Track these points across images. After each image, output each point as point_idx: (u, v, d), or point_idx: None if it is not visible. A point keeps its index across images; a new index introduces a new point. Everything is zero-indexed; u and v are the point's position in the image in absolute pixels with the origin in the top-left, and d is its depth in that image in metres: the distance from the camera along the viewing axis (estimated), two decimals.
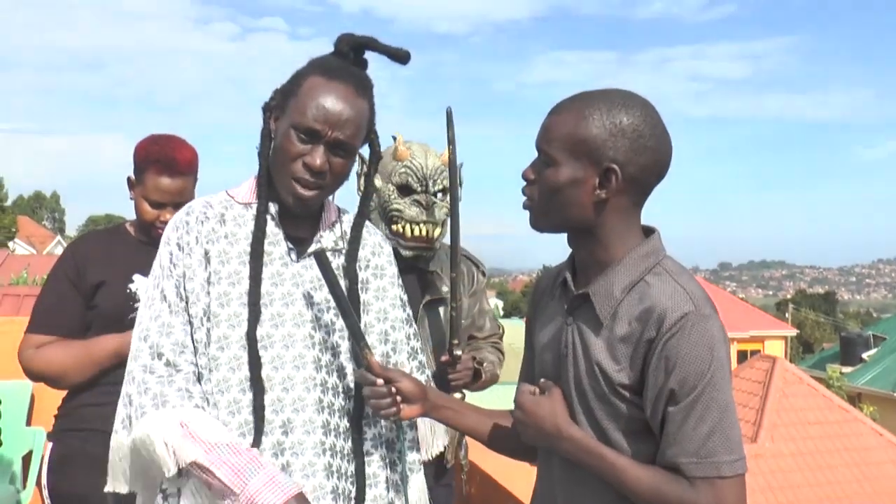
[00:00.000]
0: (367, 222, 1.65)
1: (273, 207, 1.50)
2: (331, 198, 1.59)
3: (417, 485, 1.61)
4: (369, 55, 1.54)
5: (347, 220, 1.63)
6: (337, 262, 1.55)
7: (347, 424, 1.50)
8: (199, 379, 1.39)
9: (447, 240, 2.27)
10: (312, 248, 1.52)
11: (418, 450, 1.64)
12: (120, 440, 1.39)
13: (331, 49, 1.52)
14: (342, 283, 1.52)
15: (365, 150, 1.61)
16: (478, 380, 2.31)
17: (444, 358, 2.20)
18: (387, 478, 1.54)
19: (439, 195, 2.31)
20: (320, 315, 1.51)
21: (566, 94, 1.33)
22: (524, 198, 1.34)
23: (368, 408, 1.47)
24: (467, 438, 2.35)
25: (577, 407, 1.30)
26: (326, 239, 1.56)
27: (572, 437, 1.28)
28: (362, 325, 1.52)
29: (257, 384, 1.40)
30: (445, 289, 2.31)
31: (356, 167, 2.09)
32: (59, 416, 2.20)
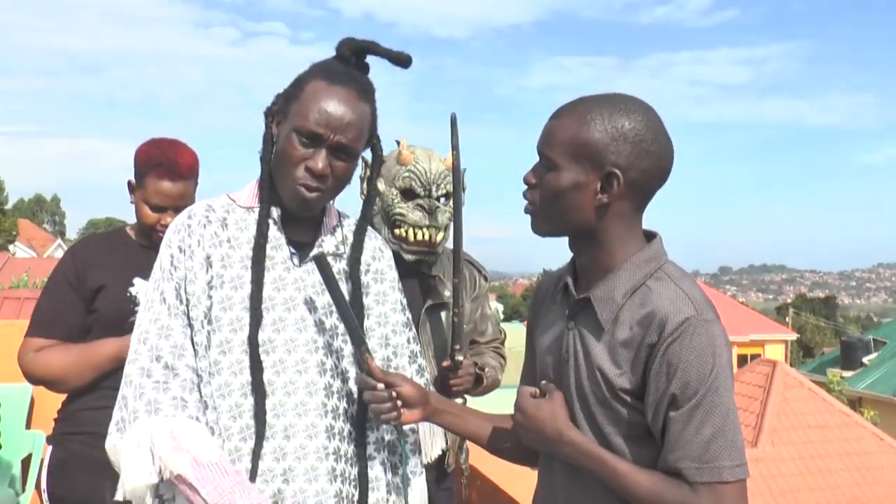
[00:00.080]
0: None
1: (275, 212, 1.50)
2: (331, 202, 1.59)
3: (419, 488, 1.61)
4: (371, 59, 1.54)
5: (348, 225, 1.63)
6: (338, 267, 1.55)
7: (352, 428, 1.50)
8: (199, 382, 1.39)
9: (450, 244, 2.27)
10: (314, 253, 1.52)
11: (420, 453, 1.64)
12: (113, 442, 1.38)
13: (332, 53, 1.52)
14: (344, 287, 1.52)
15: (367, 154, 1.61)
16: (479, 385, 2.30)
17: (445, 363, 2.20)
18: (388, 481, 1.54)
19: (442, 200, 2.31)
20: (324, 319, 1.50)
21: (566, 99, 1.33)
22: (525, 202, 1.34)
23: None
24: (468, 443, 2.34)
25: (579, 411, 1.30)
26: (328, 243, 1.56)
27: (573, 441, 1.28)
28: (363, 330, 1.52)
29: (259, 389, 1.40)
30: (447, 293, 2.31)
31: (359, 171, 2.09)
32: (58, 420, 2.20)
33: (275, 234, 1.50)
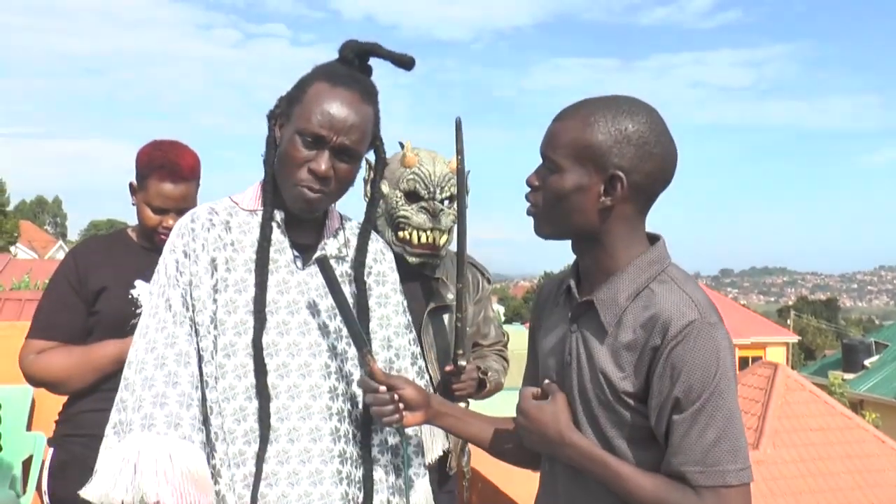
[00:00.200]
0: None
1: (279, 215, 1.50)
2: (334, 205, 1.59)
3: (423, 490, 1.61)
4: (373, 61, 1.54)
5: (350, 228, 1.63)
6: (340, 270, 1.55)
7: (356, 430, 1.49)
8: (203, 389, 1.38)
9: (453, 247, 2.27)
10: (317, 256, 1.52)
11: (423, 455, 1.64)
12: (109, 445, 1.37)
13: (334, 55, 1.52)
14: (346, 289, 1.52)
15: (371, 156, 1.61)
16: (482, 389, 2.30)
17: (448, 367, 2.19)
18: (392, 483, 1.54)
19: (446, 202, 2.30)
20: (328, 322, 1.50)
21: (567, 101, 1.33)
22: (528, 204, 1.34)
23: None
24: (470, 445, 2.34)
25: (581, 414, 1.29)
26: (330, 246, 1.55)
27: (575, 444, 1.27)
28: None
29: (263, 392, 1.40)
30: (451, 296, 2.31)
31: (362, 173, 2.08)
32: (59, 422, 2.20)
33: (278, 237, 1.50)
